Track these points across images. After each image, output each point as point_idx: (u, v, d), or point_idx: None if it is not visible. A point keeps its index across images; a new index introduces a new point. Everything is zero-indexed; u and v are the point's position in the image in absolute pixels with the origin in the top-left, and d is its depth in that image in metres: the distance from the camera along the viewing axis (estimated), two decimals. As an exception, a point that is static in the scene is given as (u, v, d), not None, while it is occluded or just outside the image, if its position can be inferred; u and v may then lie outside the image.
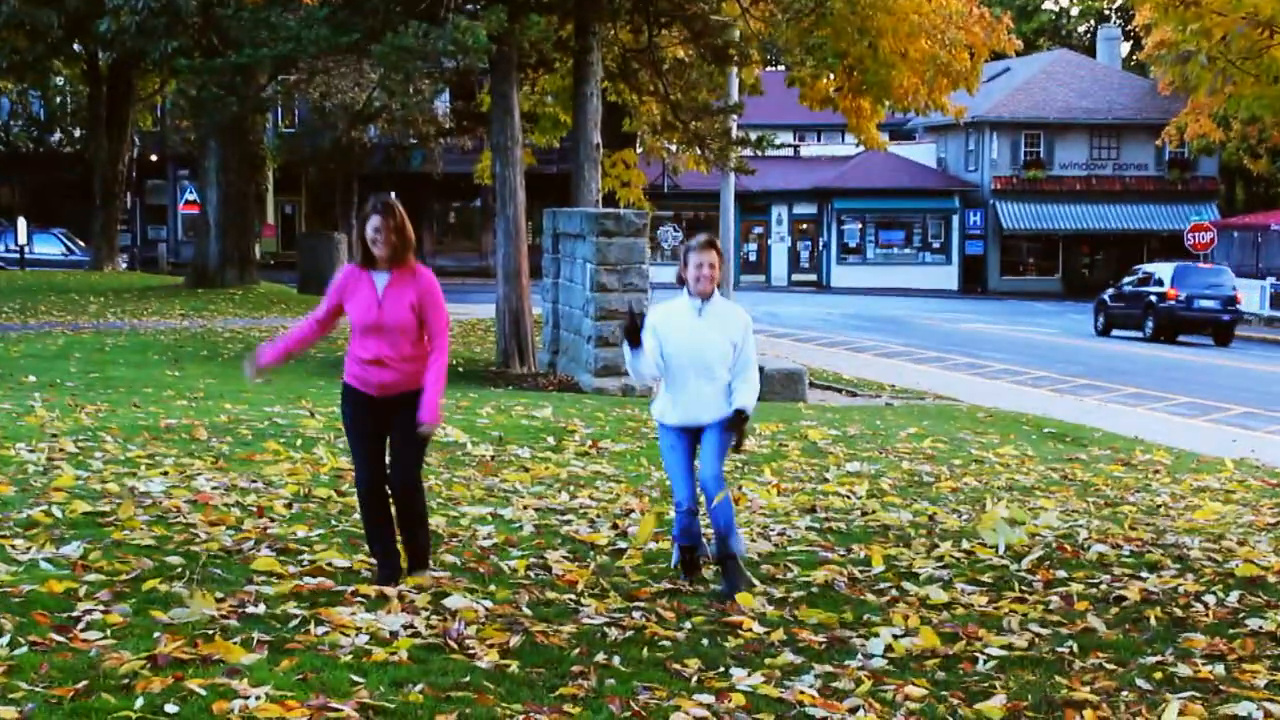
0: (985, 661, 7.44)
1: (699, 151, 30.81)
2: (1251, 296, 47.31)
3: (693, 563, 8.84)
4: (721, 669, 7.10)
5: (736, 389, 8.52)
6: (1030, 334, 42.16)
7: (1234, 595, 9.00)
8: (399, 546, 8.39)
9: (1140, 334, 41.26)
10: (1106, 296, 43.93)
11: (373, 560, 8.46)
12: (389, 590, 7.98)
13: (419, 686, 6.43)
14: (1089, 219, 66.34)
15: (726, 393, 8.55)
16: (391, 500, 8.28)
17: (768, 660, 7.27)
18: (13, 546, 8.41)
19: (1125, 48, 76.27)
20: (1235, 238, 55.07)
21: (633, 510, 10.71)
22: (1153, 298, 40.90)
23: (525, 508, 10.63)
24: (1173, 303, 40.20)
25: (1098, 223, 66.34)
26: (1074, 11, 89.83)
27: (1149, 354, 36.18)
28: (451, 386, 20.82)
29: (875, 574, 9.15)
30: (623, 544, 9.63)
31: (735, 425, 8.55)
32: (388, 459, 8.27)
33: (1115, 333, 42.57)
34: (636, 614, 7.93)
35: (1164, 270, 42.07)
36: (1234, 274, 45.84)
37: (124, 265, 53.65)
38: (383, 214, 7.99)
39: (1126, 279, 43.96)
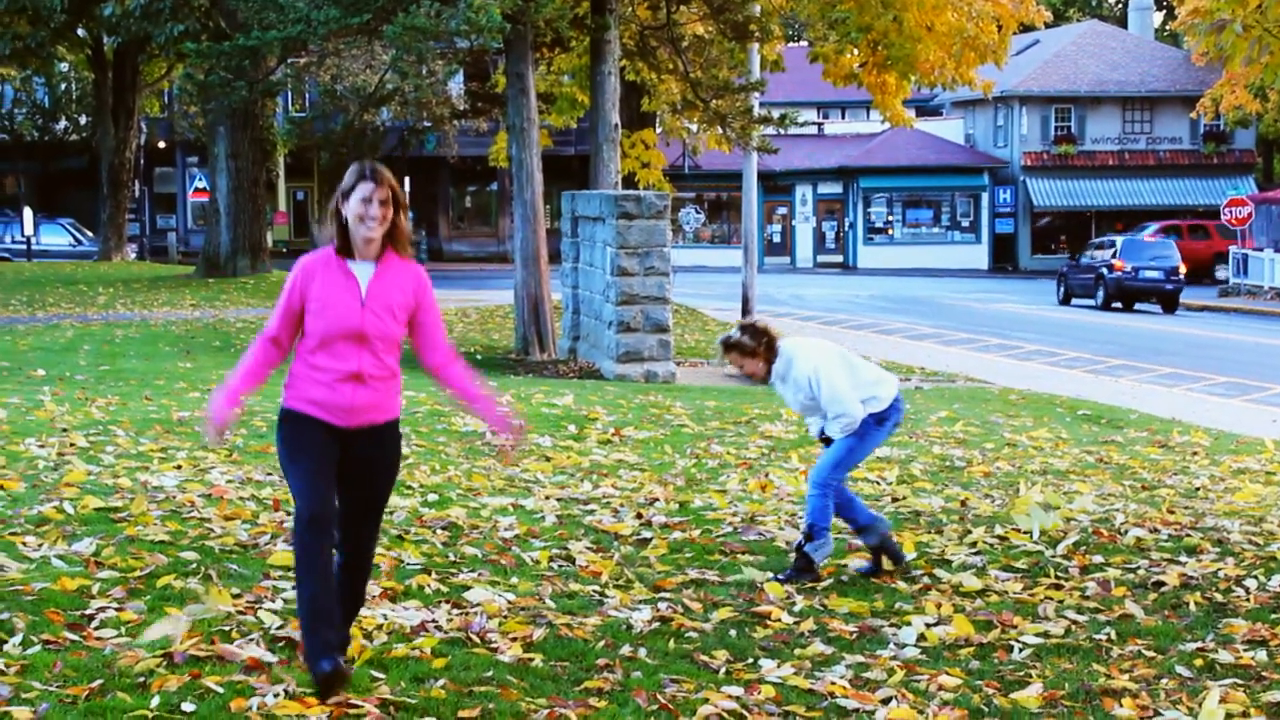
0: (1021, 650, 7.44)
1: (720, 130, 30.76)
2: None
3: (882, 557, 8.98)
4: (750, 660, 7.11)
5: None
6: (1055, 314, 42.10)
7: (1276, 579, 8.98)
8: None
9: (1094, 302, 44.33)
10: (1066, 268, 47.65)
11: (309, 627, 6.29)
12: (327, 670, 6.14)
13: (441, 682, 6.45)
14: (1122, 195, 66.08)
15: None
16: (340, 574, 6.49)
17: (797, 651, 7.28)
18: (24, 544, 8.45)
19: (1158, 18, 76.00)
20: (1273, 212, 54.73)
21: (657, 499, 10.72)
22: (1104, 269, 44.14)
23: (547, 498, 10.64)
24: (1120, 273, 43.50)
25: (1131, 199, 66.06)
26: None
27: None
28: (469, 375, 20.89)
29: (907, 561, 9.14)
30: (647, 533, 9.64)
31: None
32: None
33: (1075, 302, 45.73)
34: (662, 605, 7.94)
35: (1116, 243, 45.37)
36: (1273, 249, 48.38)
37: (133, 255, 53.80)
38: (375, 180, 6.30)
39: (1084, 252, 47.48)
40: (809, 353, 8.89)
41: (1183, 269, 43.98)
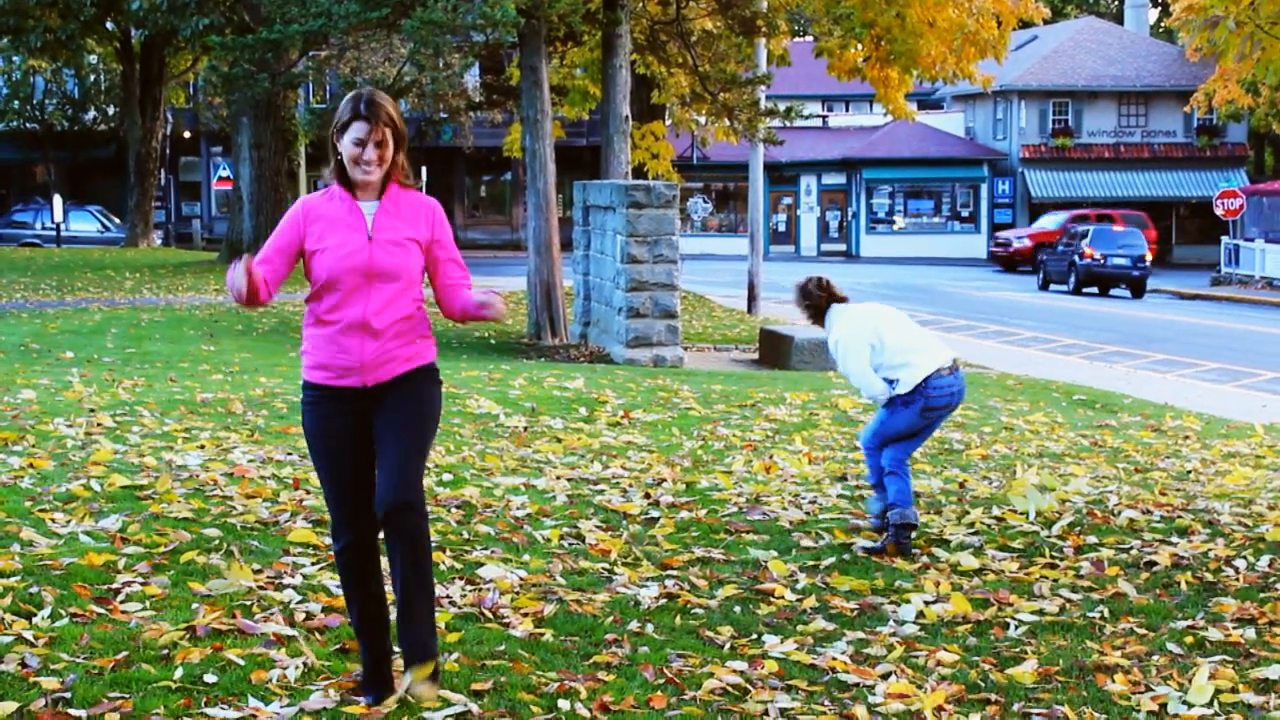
0: (1016, 627, 7.44)
1: (728, 123, 30.75)
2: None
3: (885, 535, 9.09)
4: (754, 636, 7.11)
5: None
6: (1040, 300, 42.07)
7: (1264, 560, 8.98)
8: (392, 640, 6.00)
9: (1067, 288, 46.03)
10: (1046, 256, 49.16)
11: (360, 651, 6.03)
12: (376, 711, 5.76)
13: (454, 656, 6.45)
14: (1117, 186, 65.96)
15: None
16: (383, 541, 5.80)
17: (800, 627, 7.29)
18: (52, 520, 8.46)
19: (1153, 14, 75.75)
20: (1265, 204, 54.59)
21: (664, 480, 10.72)
22: (1075, 256, 45.83)
23: (558, 478, 10.64)
24: (1090, 260, 45.09)
25: (1126, 190, 65.93)
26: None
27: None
28: (484, 358, 20.90)
29: (899, 549, 9.12)
30: (655, 513, 9.64)
31: None
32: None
33: (1052, 288, 47.06)
34: (669, 582, 7.94)
35: (1087, 232, 47.05)
36: (1264, 240, 49.24)
37: (159, 241, 53.86)
38: (370, 118, 5.51)
39: (1060, 240, 49.18)
40: (843, 323, 9.16)
41: (1149, 256, 45.67)
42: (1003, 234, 59.97)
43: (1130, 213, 58.56)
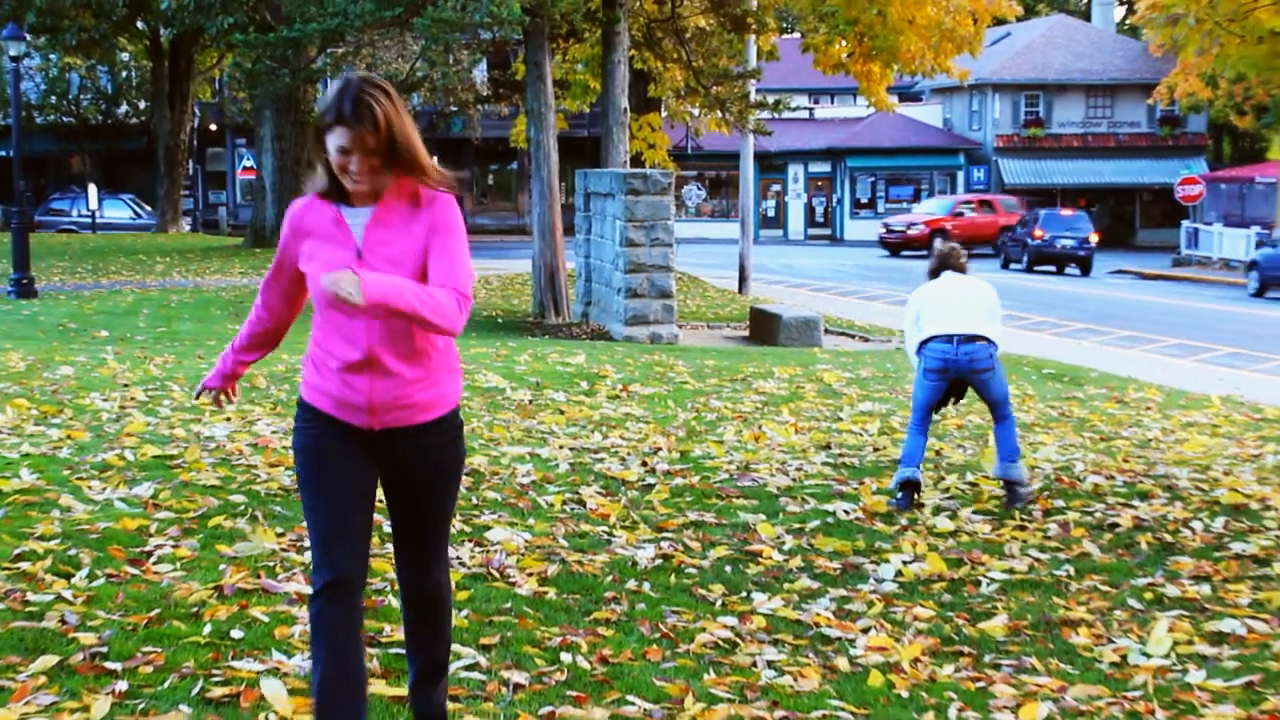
0: (988, 584, 7.46)
1: (720, 114, 30.69)
2: (1236, 244, 47.56)
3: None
4: (744, 594, 7.13)
5: None
6: (1004, 279, 42.08)
7: (1219, 521, 9.00)
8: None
9: (1021, 266, 47.17)
10: (1005, 239, 50.21)
11: None
12: None
13: (464, 612, 6.47)
14: (1085, 174, 65.89)
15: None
16: (408, 623, 4.78)
17: (786, 585, 7.30)
18: (89, 488, 8.48)
19: (1119, 12, 75.52)
20: (1223, 190, 54.64)
21: (660, 449, 10.73)
22: (1028, 238, 47.22)
23: (561, 447, 10.65)
24: (1039, 241, 46.46)
25: (1094, 177, 65.87)
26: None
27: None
28: (491, 336, 20.90)
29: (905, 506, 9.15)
30: (651, 480, 9.66)
31: None
32: (392, 551, 4.98)
33: (1012, 267, 48.03)
34: (665, 544, 7.96)
35: (1038, 216, 48.56)
36: (1222, 223, 49.91)
37: (187, 227, 53.78)
38: (354, 123, 4.16)
39: (1018, 225, 50.10)
40: (917, 291, 9.68)
41: (1094, 238, 46.92)
42: (896, 219, 57.62)
43: (1007, 197, 59.17)
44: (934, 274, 9.66)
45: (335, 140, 4.21)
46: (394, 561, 4.73)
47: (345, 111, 4.16)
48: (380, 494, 4.57)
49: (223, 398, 4.97)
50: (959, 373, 9.31)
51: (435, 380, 4.46)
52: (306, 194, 4.49)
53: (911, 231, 54.58)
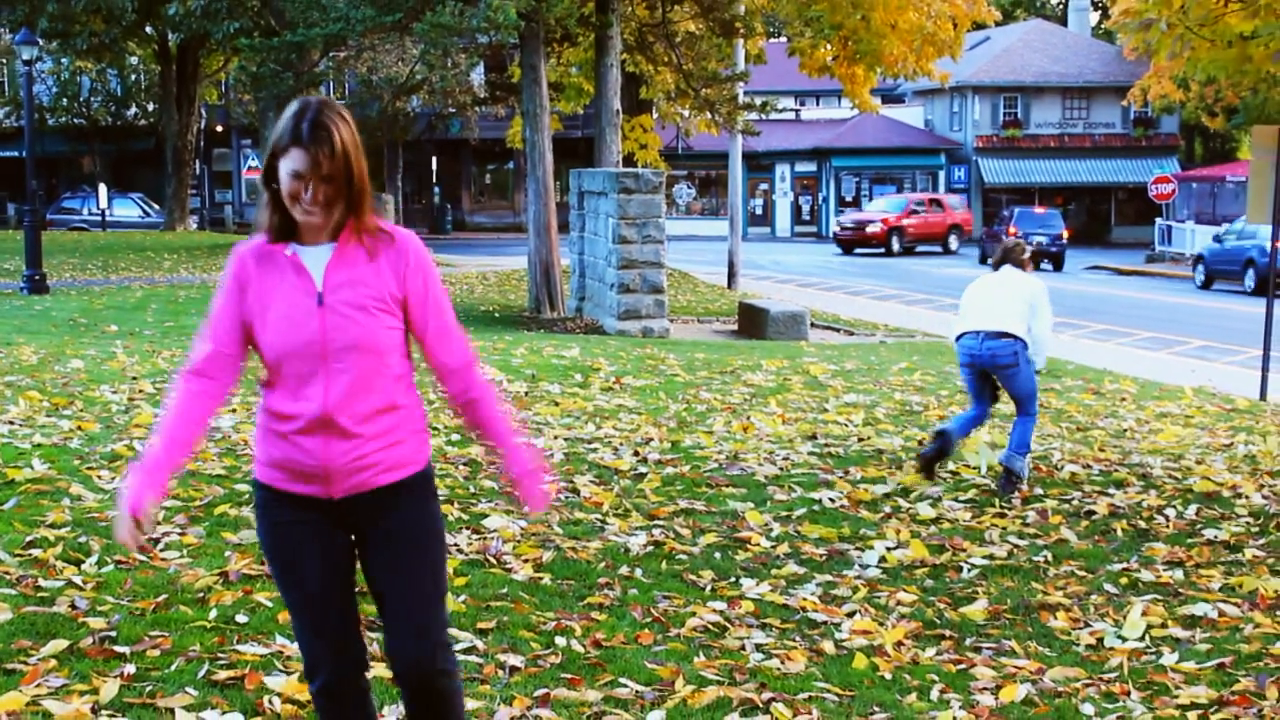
0: (969, 570, 7.46)
1: (709, 116, 30.67)
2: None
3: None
4: (732, 579, 7.12)
5: None
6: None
7: (1192, 509, 9.01)
8: None
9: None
10: (983, 236, 50.79)
11: None
12: None
13: (462, 598, 6.46)
14: (1062, 173, 65.90)
15: None
16: (404, 701, 4.03)
17: (774, 571, 7.30)
18: (99, 477, 8.46)
19: (1094, 17, 75.57)
20: (1194, 189, 54.64)
21: (652, 439, 10.72)
22: (1002, 234, 46.21)
23: (556, 437, 10.64)
24: (1014, 238, 45.42)
25: (1070, 176, 65.88)
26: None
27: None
28: (488, 330, 20.87)
29: (880, 495, 9.14)
30: (643, 469, 9.64)
31: None
32: (378, 624, 4.22)
33: (988, 262, 46.22)
34: (656, 531, 7.95)
35: (1012, 213, 49.10)
36: (1194, 221, 50.00)
37: (194, 225, 53.70)
38: (310, 145, 3.67)
39: (995, 223, 50.67)
40: (970, 284, 9.82)
41: (1066, 235, 47.51)
42: (848, 217, 56.17)
43: (953, 196, 59.22)
44: (996, 266, 9.78)
45: (289, 164, 3.69)
46: (388, 642, 3.93)
47: (303, 133, 3.68)
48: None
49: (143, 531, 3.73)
50: (984, 367, 9.47)
51: (397, 439, 3.86)
52: (252, 237, 3.89)
53: (870, 230, 53.64)
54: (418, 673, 3.88)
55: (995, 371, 9.45)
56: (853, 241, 53.82)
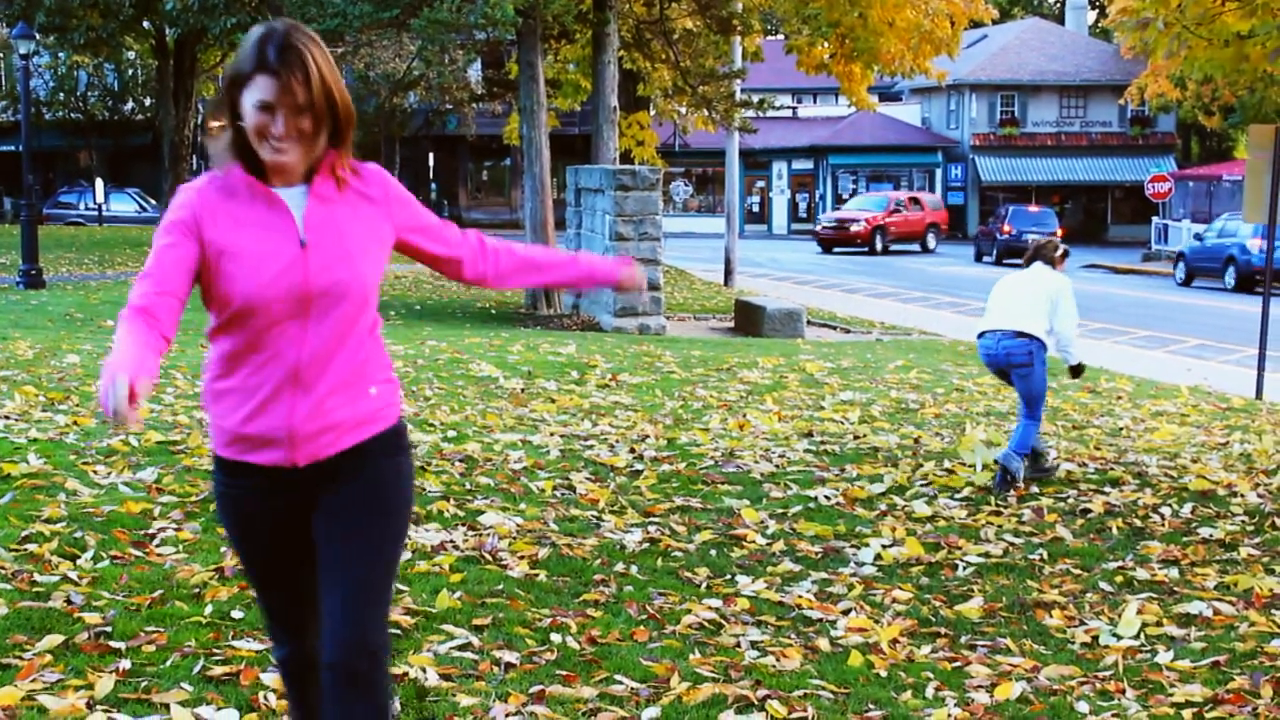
0: (964, 568, 7.46)
1: (706, 113, 30.68)
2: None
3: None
4: (728, 576, 7.12)
5: None
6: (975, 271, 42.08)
7: (1187, 507, 9.01)
8: None
9: (991, 259, 47.74)
10: (977, 233, 51.45)
11: None
12: None
13: (457, 594, 6.46)
14: (1059, 171, 65.94)
15: None
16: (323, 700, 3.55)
17: (769, 568, 7.29)
18: (95, 472, 8.45)
19: (1091, 15, 75.55)
20: (1191, 187, 54.67)
21: (648, 436, 10.72)
22: (997, 233, 48.09)
23: (552, 434, 10.64)
24: (1008, 235, 47.45)
25: (1067, 175, 65.93)
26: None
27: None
28: (485, 326, 20.87)
29: (876, 493, 9.14)
30: (639, 466, 9.64)
31: None
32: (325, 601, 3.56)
33: (984, 259, 48.91)
34: (652, 528, 7.95)
35: (1007, 211, 49.42)
36: (1190, 219, 49.97)
37: (191, 221, 53.56)
38: (279, 70, 3.23)
39: (990, 220, 50.96)
40: (998, 281, 9.98)
41: (1060, 233, 47.08)
42: (829, 216, 55.60)
43: (923, 194, 58.84)
44: (1027, 263, 9.91)
45: (255, 94, 3.24)
46: (326, 625, 3.50)
47: (269, 58, 3.22)
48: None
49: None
50: (1001, 366, 9.60)
51: (360, 392, 3.49)
52: (206, 174, 3.41)
53: (855, 229, 52.72)
54: (347, 660, 3.44)
55: (1010, 370, 9.53)
56: (834, 240, 52.91)
